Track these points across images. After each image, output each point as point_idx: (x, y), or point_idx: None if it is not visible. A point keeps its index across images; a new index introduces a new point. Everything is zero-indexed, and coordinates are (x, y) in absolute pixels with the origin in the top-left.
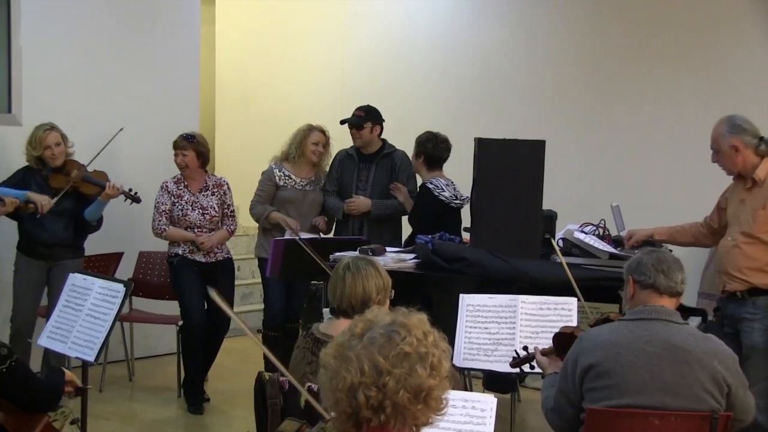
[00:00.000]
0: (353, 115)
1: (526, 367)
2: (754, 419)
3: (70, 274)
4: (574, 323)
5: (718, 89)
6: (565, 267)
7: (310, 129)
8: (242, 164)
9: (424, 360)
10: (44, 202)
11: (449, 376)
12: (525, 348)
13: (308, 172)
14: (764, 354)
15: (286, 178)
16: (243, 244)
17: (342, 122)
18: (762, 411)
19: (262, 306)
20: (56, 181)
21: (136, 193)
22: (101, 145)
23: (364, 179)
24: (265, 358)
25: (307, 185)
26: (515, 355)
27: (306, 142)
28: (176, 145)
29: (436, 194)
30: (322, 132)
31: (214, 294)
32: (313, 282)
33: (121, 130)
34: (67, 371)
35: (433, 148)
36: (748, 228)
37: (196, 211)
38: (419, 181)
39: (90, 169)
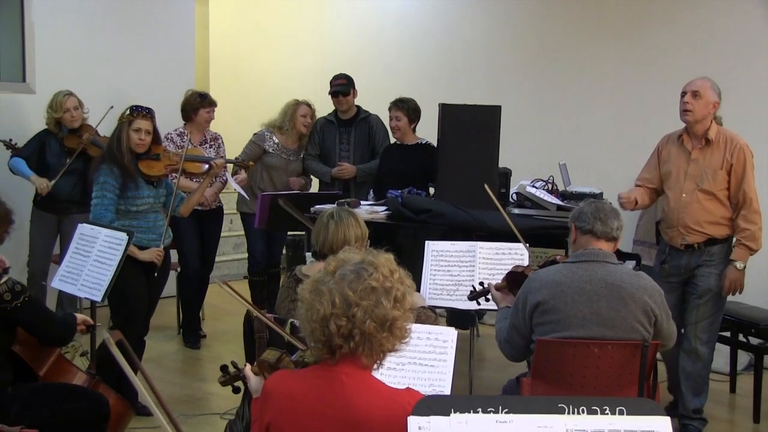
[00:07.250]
0: (336, 84)
1: (482, 302)
2: (696, 349)
3: (79, 224)
4: (526, 264)
5: (650, 56)
6: (507, 219)
7: (298, 103)
8: (234, 131)
9: (389, 293)
10: (43, 185)
11: (425, 313)
12: (481, 283)
13: (294, 143)
14: (715, 295)
15: (275, 145)
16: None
17: (334, 94)
18: (704, 343)
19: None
20: (71, 142)
21: None
22: (104, 111)
23: (346, 142)
24: (253, 298)
25: (291, 155)
26: (472, 289)
27: (296, 116)
28: (209, 102)
29: None
30: (308, 105)
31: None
32: (290, 233)
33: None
34: (78, 314)
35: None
36: (708, 186)
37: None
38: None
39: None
